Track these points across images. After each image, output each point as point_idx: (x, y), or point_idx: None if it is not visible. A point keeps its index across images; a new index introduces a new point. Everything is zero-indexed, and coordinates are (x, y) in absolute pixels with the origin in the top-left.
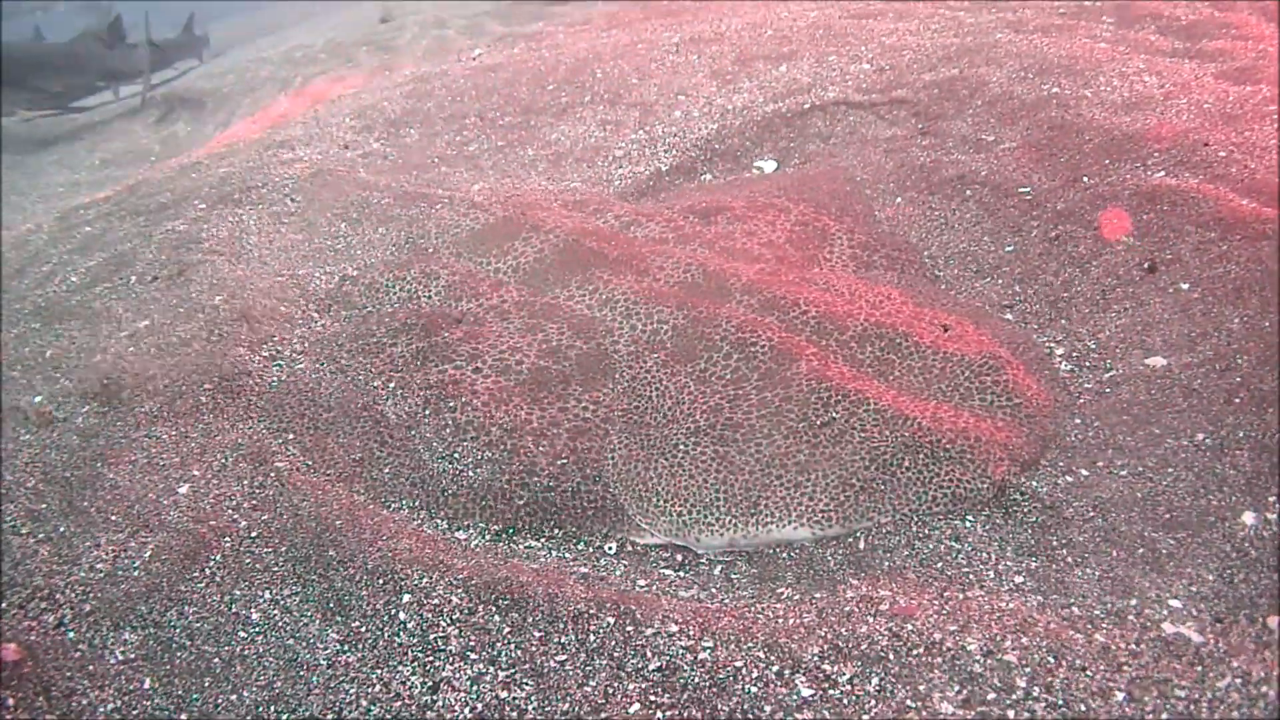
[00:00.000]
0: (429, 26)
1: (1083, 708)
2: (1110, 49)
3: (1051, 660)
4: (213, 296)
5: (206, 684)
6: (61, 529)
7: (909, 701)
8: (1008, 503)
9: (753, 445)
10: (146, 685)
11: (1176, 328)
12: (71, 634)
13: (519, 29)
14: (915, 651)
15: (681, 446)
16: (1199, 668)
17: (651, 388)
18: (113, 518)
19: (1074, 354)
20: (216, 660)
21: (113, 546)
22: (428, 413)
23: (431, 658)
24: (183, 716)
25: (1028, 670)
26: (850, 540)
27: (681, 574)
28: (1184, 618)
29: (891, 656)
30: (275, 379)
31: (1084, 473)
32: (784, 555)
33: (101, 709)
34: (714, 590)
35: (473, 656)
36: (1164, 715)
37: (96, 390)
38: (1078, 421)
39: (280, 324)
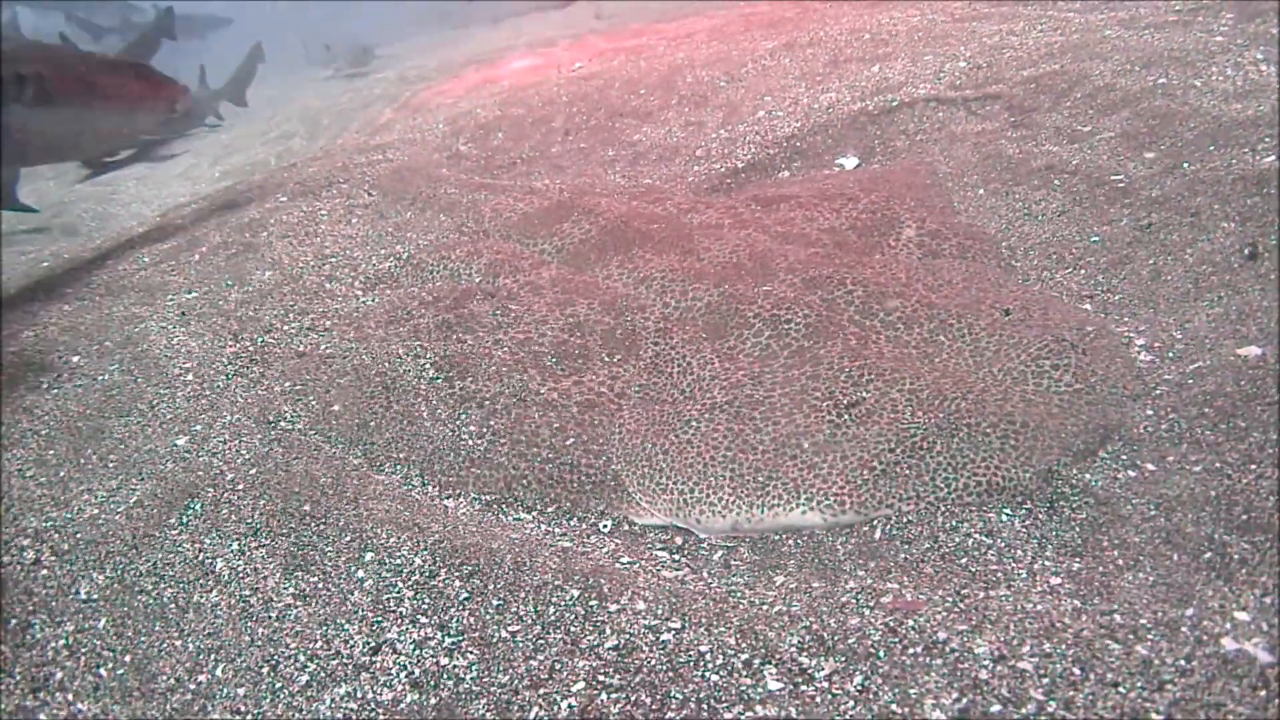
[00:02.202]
0: (536, 45)
1: None
2: (1226, 41)
3: (1077, 672)
4: (263, 272)
5: (156, 628)
6: (62, 474)
7: (894, 706)
8: (1054, 496)
9: (770, 424)
10: (101, 624)
11: (1276, 315)
12: (45, 572)
13: (622, 44)
14: (912, 650)
15: (694, 423)
16: (1263, 692)
17: (674, 364)
18: (110, 465)
19: (1156, 344)
20: (173, 606)
21: (104, 492)
22: (439, 380)
23: (380, 618)
24: (126, 657)
25: (1045, 681)
26: (866, 529)
27: (674, 556)
28: (1251, 633)
29: (882, 654)
30: (303, 347)
31: (1150, 467)
32: (790, 543)
33: (53, 643)
34: (704, 574)
35: (422, 620)
36: None
37: (128, 352)
38: (1149, 413)
39: (323, 299)
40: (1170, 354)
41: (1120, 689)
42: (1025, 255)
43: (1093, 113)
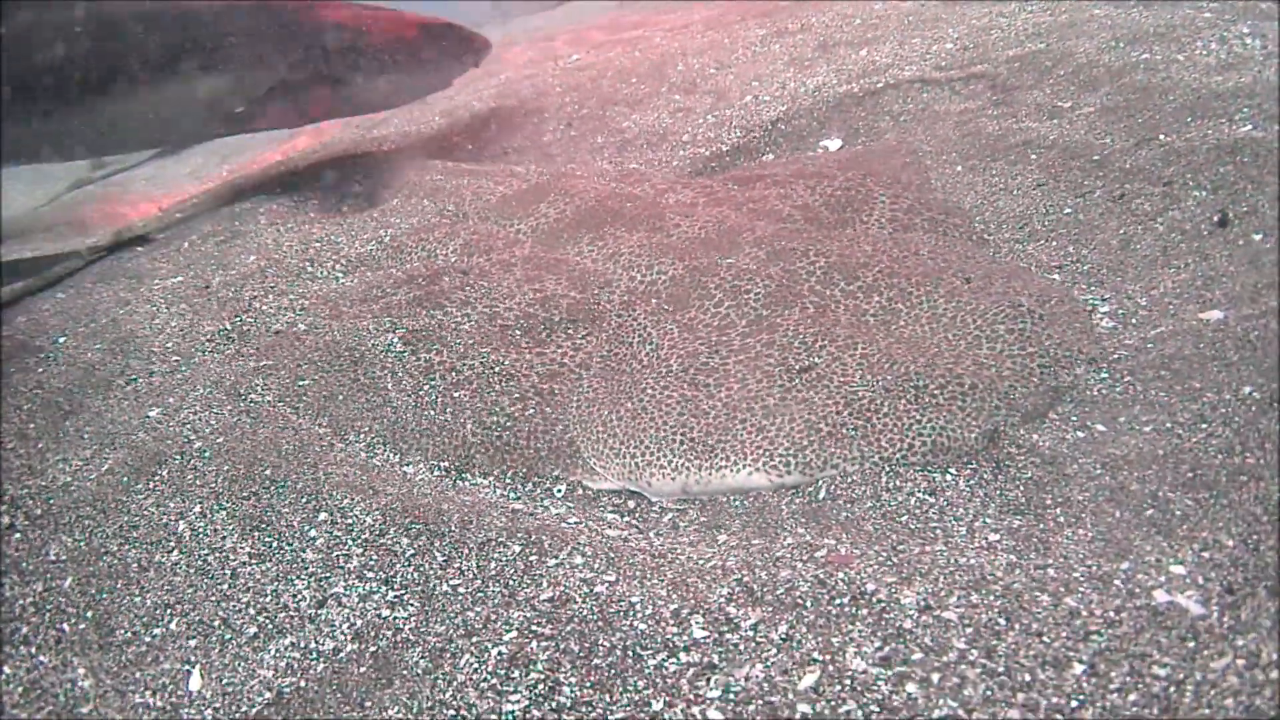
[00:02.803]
0: (536, 40)
1: (1027, 677)
2: (1215, 16)
3: (1001, 622)
4: (247, 257)
5: (118, 585)
6: (40, 446)
7: (815, 653)
8: (1001, 456)
9: (723, 389)
10: (67, 584)
11: (1241, 280)
12: (18, 535)
13: (619, 35)
14: (839, 601)
15: (649, 390)
16: (1191, 643)
17: (635, 334)
18: (85, 436)
19: (1120, 311)
20: (135, 565)
21: (78, 461)
22: (406, 352)
23: (329, 574)
24: (88, 613)
25: (969, 630)
26: (811, 490)
27: (624, 518)
28: (1185, 586)
29: (809, 604)
30: (279, 325)
31: (1100, 428)
32: (737, 503)
33: (20, 601)
34: (650, 534)
35: (369, 575)
36: (1133, 695)
37: (112, 333)
38: (1104, 376)
39: (303, 280)
40: (1133, 320)
41: (1044, 638)
42: (999, 228)
43: (1074, 89)
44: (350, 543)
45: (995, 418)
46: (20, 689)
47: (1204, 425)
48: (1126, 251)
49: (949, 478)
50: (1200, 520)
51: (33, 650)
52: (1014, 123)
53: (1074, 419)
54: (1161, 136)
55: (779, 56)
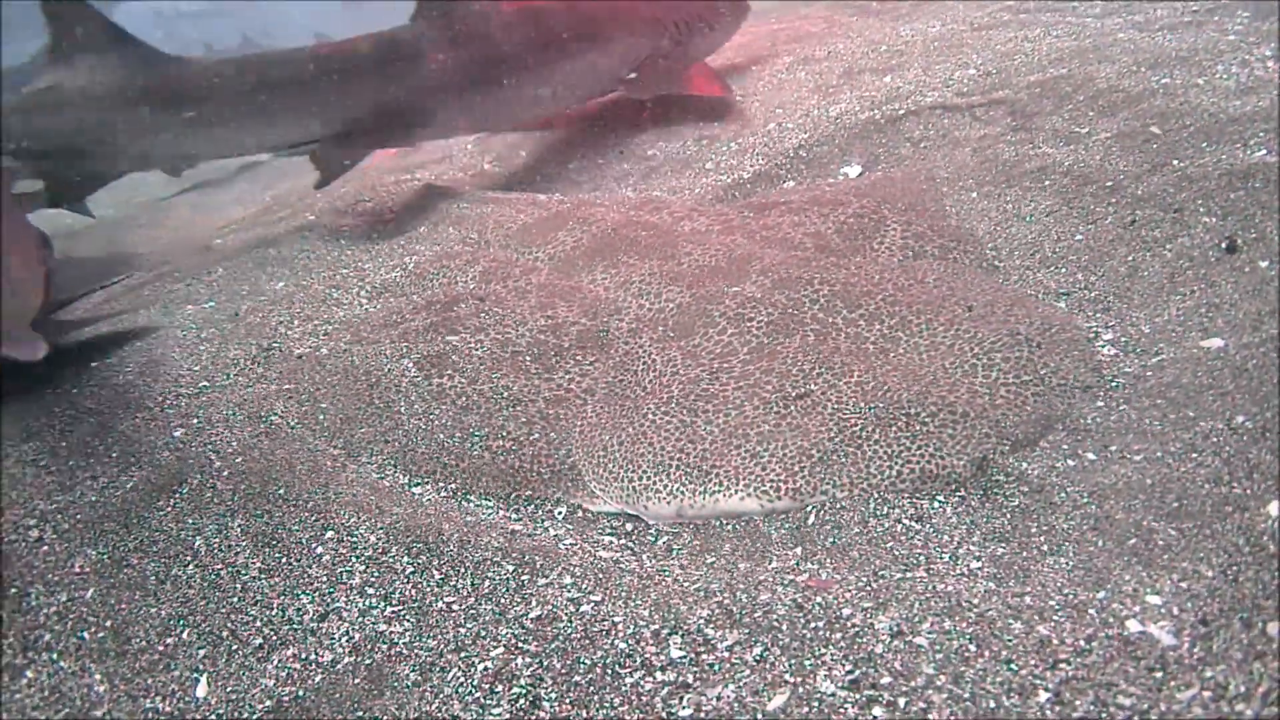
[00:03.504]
0: None
1: (992, 704)
2: (1238, 40)
3: (972, 649)
4: (276, 283)
5: (136, 596)
6: (70, 464)
7: (786, 675)
8: (989, 484)
9: (721, 416)
10: (89, 594)
11: (1245, 307)
12: (45, 548)
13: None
14: (814, 625)
15: (650, 415)
16: (1159, 674)
17: (640, 361)
18: (113, 455)
19: (1122, 338)
20: (152, 578)
21: (105, 478)
22: (419, 377)
23: (331, 589)
24: (107, 623)
25: (939, 656)
26: (801, 515)
27: (618, 540)
28: (1160, 616)
29: (785, 627)
30: (302, 350)
31: (1090, 456)
32: (729, 527)
33: (45, 609)
34: (642, 557)
35: (370, 591)
36: None
37: (144, 357)
38: (1100, 404)
39: (329, 306)
40: (1135, 348)
41: (1012, 666)
42: (1010, 255)
43: (1092, 114)
44: (354, 559)
45: (985, 446)
46: (41, 693)
47: (1194, 454)
48: (1134, 278)
49: (936, 505)
50: (1182, 550)
51: (54, 656)
52: (1030, 148)
53: (1065, 447)
54: (1175, 162)
55: (804, 84)
